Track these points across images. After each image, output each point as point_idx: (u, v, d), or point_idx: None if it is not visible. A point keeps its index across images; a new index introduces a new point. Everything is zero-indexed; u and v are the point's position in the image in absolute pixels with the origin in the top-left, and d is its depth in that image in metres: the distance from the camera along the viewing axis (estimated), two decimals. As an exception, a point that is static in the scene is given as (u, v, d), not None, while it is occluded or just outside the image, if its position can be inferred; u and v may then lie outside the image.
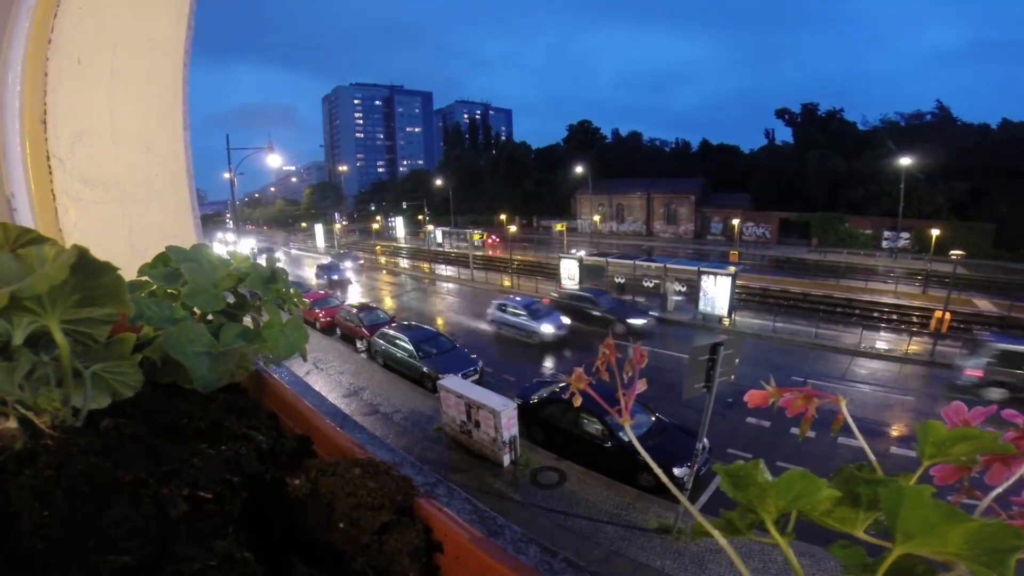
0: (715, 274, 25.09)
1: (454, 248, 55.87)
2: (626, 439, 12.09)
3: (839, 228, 51.01)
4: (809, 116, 66.46)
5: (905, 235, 47.23)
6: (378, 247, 63.09)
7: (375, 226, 79.25)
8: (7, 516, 0.56)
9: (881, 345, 22.57)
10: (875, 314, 27.86)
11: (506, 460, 12.67)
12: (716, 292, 24.98)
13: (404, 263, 51.81)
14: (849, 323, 25.48)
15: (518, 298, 26.27)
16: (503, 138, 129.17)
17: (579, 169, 59.17)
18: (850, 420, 0.59)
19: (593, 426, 13.07)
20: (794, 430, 13.60)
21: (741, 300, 28.23)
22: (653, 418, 13.44)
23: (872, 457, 0.54)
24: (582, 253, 33.54)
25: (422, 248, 58.53)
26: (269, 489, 0.70)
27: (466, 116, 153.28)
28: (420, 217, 71.91)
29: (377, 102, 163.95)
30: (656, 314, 26.38)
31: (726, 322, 24.98)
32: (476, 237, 52.39)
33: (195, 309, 1.01)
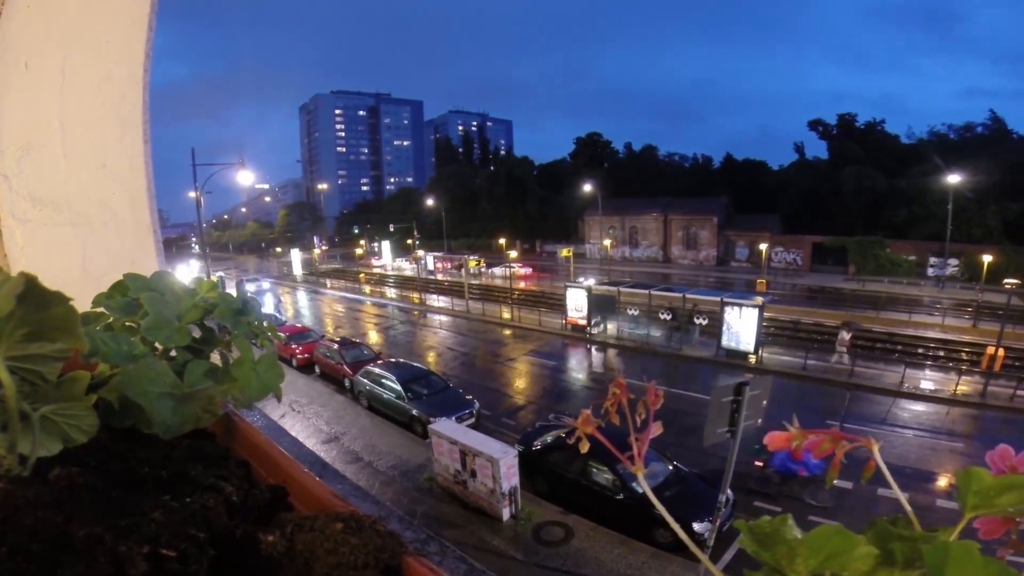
0: (740, 305, 25.08)
1: (448, 277, 55.92)
2: (640, 490, 11.97)
3: (879, 254, 50.99)
4: (846, 128, 66.22)
5: (953, 262, 46.99)
6: (362, 275, 63.15)
7: (359, 251, 79.36)
8: (-55, 577, 0.55)
9: (926, 385, 22.42)
10: (920, 350, 27.74)
11: (505, 514, 12.51)
12: (741, 325, 24.95)
13: (391, 292, 51.94)
14: (891, 360, 25.35)
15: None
16: (502, 152, 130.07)
17: (587, 187, 59.15)
18: (883, 466, 0.59)
19: (603, 476, 12.95)
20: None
21: (769, 334, 28.18)
22: (670, 467, 13.31)
23: (908, 508, 0.54)
24: (591, 281, 33.48)
25: (411, 276, 58.53)
26: (240, 546, 0.70)
27: (461, 128, 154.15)
28: (409, 241, 72.09)
29: (361, 112, 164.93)
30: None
31: (752, 359, 24.91)
32: (473, 264, 52.41)
33: (157, 344, 1.00)
